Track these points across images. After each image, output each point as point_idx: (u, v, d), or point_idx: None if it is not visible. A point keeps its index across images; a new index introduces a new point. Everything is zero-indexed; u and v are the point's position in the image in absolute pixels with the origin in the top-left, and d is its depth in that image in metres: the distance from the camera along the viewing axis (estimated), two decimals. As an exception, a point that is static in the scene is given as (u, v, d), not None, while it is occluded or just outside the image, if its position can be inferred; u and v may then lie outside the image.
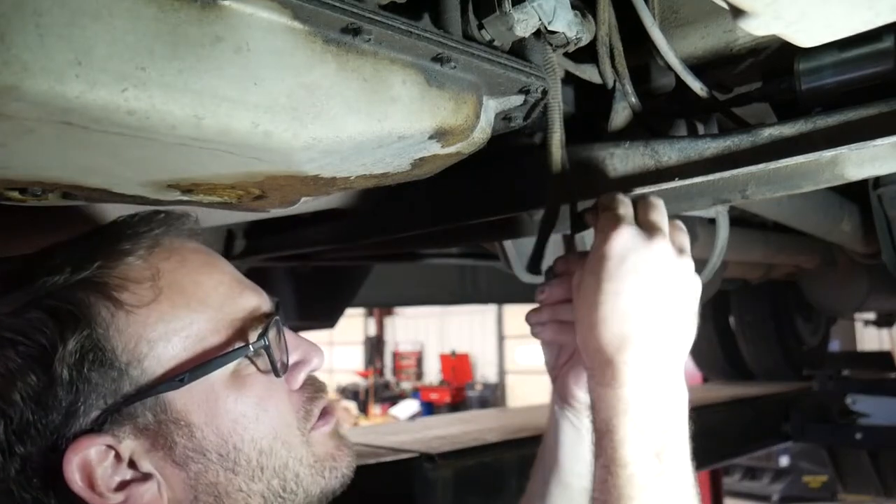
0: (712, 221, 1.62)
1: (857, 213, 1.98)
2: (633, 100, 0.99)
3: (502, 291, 3.69)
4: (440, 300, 4.04)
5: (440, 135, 0.77)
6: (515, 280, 1.86)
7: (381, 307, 16.81)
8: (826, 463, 6.16)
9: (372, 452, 2.05)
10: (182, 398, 0.70)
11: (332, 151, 0.70)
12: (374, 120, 0.69)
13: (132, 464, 0.69)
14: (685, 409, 0.78)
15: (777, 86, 0.93)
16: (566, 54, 0.97)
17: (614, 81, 0.99)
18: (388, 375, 19.69)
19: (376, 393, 17.42)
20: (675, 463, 0.75)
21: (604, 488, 0.74)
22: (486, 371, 18.23)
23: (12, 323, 0.67)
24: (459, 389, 16.66)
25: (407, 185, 0.93)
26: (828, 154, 0.85)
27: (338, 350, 19.34)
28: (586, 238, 1.13)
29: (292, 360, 0.78)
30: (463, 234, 1.71)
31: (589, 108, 1.14)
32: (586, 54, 0.98)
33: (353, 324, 19.76)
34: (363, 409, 16.08)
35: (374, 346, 20.10)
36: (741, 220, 2.43)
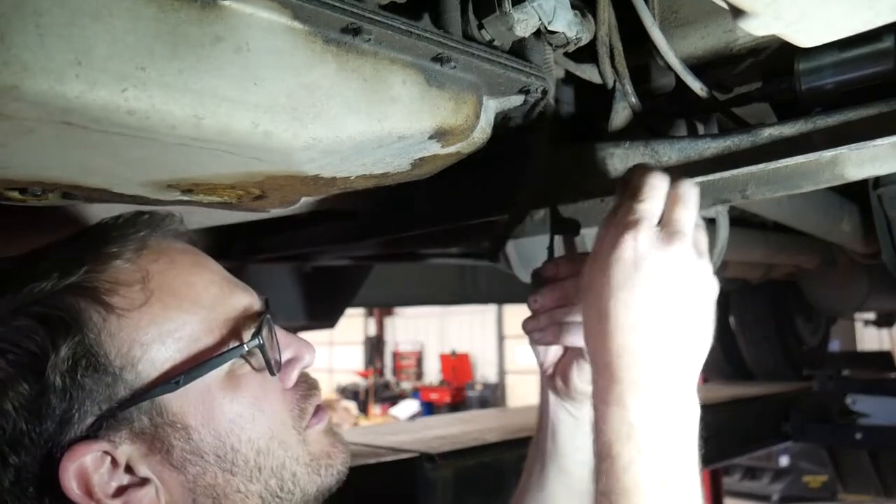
0: (712, 221, 1.62)
1: (857, 213, 1.98)
2: (633, 100, 0.99)
3: (502, 291, 3.69)
4: (440, 300, 4.04)
5: (440, 135, 0.77)
6: (515, 280, 1.86)
7: (381, 307, 16.81)
8: (826, 463, 6.17)
9: (372, 452, 2.05)
10: (178, 401, 0.69)
11: (332, 151, 0.70)
12: (374, 120, 0.69)
13: (129, 469, 0.69)
14: (696, 428, 0.72)
15: (777, 86, 0.93)
16: (566, 54, 0.97)
17: (614, 81, 0.99)
18: (388, 375, 19.68)
19: (376, 393, 17.42)
20: (683, 489, 0.69)
21: None
22: (486, 371, 18.23)
23: (0, 332, 0.66)
24: (459, 389, 16.66)
25: (407, 185, 0.93)
26: (828, 154, 0.85)
27: (338, 350, 19.34)
28: (586, 239, 1.13)
29: (284, 357, 0.78)
30: (463, 234, 1.71)
31: (589, 108, 1.14)
32: (586, 54, 0.98)
33: (353, 324, 19.76)
34: (363, 409, 16.07)
35: (374, 346, 20.09)
36: (741, 220, 2.43)
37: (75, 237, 0.75)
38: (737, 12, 0.71)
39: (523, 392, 15.55)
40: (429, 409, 15.16)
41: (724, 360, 4.60)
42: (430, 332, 19.60)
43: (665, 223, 0.73)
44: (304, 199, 0.94)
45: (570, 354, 0.95)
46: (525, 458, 1.06)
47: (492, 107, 0.84)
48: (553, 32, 0.83)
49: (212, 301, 0.74)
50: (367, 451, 2.07)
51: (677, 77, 0.95)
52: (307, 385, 0.80)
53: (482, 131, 0.83)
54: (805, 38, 0.75)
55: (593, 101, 1.12)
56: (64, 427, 0.66)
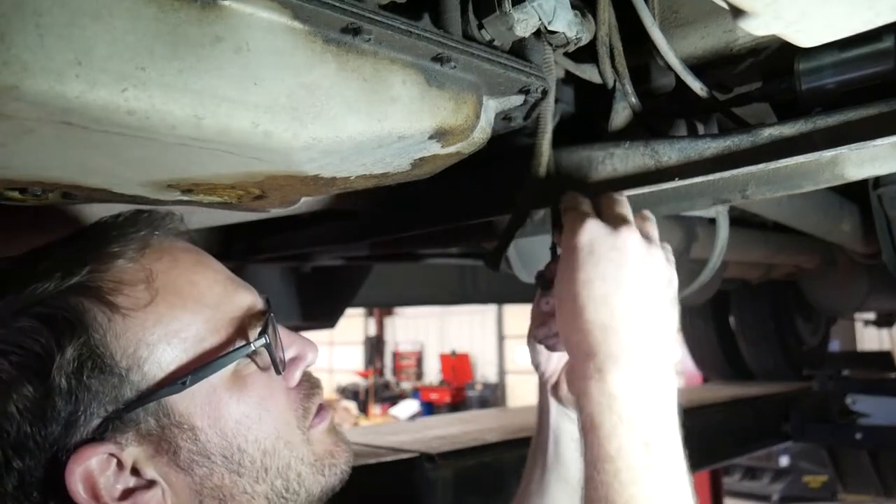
0: (712, 221, 1.62)
1: (857, 213, 1.98)
2: (633, 100, 0.99)
3: (502, 291, 3.69)
4: (440, 300, 4.03)
5: (440, 135, 0.77)
6: (515, 280, 1.86)
7: (381, 307, 16.80)
8: (826, 463, 6.17)
9: (372, 452, 2.05)
10: (184, 401, 0.69)
11: (332, 151, 0.70)
12: (374, 120, 0.69)
13: (135, 471, 0.68)
14: (674, 397, 0.76)
15: (777, 86, 0.93)
16: (566, 54, 0.97)
17: (614, 81, 0.99)
18: (388, 375, 19.68)
19: (376, 393, 17.42)
20: (666, 453, 0.71)
21: (591, 486, 0.71)
22: (486, 371, 18.23)
23: (2, 333, 0.65)
24: (459, 389, 16.66)
25: (407, 185, 0.93)
26: (828, 154, 0.85)
27: (338, 350, 19.34)
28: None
29: (287, 356, 0.77)
30: (463, 234, 1.71)
31: (589, 108, 1.14)
32: (586, 54, 0.98)
33: (353, 324, 19.76)
34: (363, 409, 16.07)
35: (374, 346, 20.09)
36: (741, 220, 2.43)
37: (74, 237, 0.75)
38: (737, 12, 0.71)
39: (523, 392, 15.54)
40: (429, 409, 15.16)
41: (724, 360, 4.61)
42: (430, 332, 19.61)
43: (606, 218, 0.80)
44: (304, 199, 0.94)
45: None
46: (524, 461, 1.06)
47: (492, 107, 0.84)
48: (553, 32, 0.83)
49: (216, 300, 0.74)
50: (368, 451, 2.07)
51: (677, 77, 0.95)
52: (310, 384, 0.79)
53: (482, 131, 0.83)
54: (805, 38, 0.75)
55: (593, 101, 1.12)
56: (69, 429, 0.65)
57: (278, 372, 0.74)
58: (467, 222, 1.27)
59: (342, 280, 2.72)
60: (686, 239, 2.10)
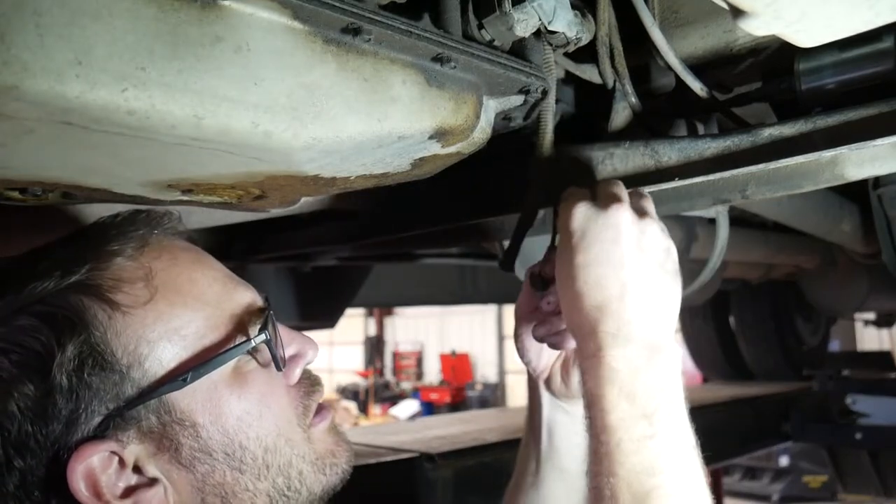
0: (712, 221, 1.62)
1: (857, 213, 1.98)
2: (633, 100, 0.99)
3: (502, 291, 3.69)
4: (440, 300, 4.03)
5: (440, 135, 0.77)
6: (515, 280, 1.86)
7: (381, 307, 16.79)
8: (826, 463, 6.16)
9: (372, 452, 2.05)
10: (186, 398, 0.69)
11: (332, 151, 0.70)
12: (374, 120, 0.69)
13: (137, 469, 0.68)
14: (678, 369, 0.76)
15: (777, 86, 0.93)
16: (566, 54, 0.97)
17: (614, 81, 0.99)
18: (388, 375, 19.67)
19: (376, 393, 17.41)
20: (669, 423, 0.72)
21: (594, 459, 0.72)
22: (486, 371, 18.22)
23: (2, 332, 0.65)
24: (459, 389, 16.65)
25: (407, 185, 0.93)
26: (828, 154, 0.85)
27: (338, 350, 19.33)
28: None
29: (287, 353, 0.78)
30: (463, 234, 1.71)
31: (589, 108, 1.14)
32: (586, 54, 0.98)
33: (353, 324, 19.74)
34: (363, 409, 16.07)
35: (374, 346, 20.08)
36: (741, 220, 2.43)
37: (74, 236, 0.75)
38: (737, 12, 0.71)
39: (523, 392, 15.41)
40: (429, 409, 15.15)
41: (724, 360, 4.61)
42: (430, 332, 19.59)
43: (598, 200, 0.80)
44: (304, 199, 0.94)
45: (571, 353, 0.95)
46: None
47: (492, 107, 0.84)
48: (553, 32, 0.83)
49: (216, 298, 0.74)
50: (368, 451, 2.07)
51: (677, 77, 0.95)
52: (310, 382, 0.79)
53: (482, 131, 0.83)
54: (805, 38, 0.75)
55: (593, 101, 1.12)
56: (71, 428, 0.65)
57: (279, 368, 0.74)
58: (467, 222, 1.27)
59: (342, 280, 2.73)
60: (686, 239, 2.10)
